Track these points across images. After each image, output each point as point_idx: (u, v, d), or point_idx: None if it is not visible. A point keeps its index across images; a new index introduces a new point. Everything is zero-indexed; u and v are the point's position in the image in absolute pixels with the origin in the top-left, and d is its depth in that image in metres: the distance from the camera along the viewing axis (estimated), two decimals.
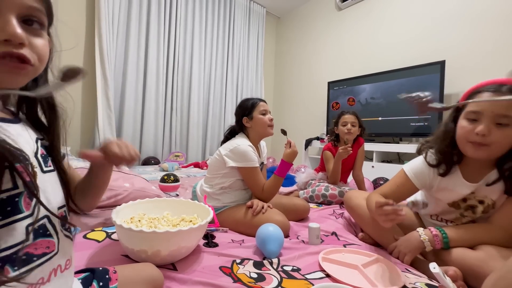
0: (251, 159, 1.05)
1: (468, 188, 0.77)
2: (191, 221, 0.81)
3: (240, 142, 1.08)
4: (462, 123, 0.71)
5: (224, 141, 1.20)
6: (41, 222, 0.33)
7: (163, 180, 1.48)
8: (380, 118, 2.43)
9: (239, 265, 0.71)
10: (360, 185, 1.63)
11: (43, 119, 0.40)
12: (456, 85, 2.03)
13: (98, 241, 0.76)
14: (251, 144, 1.11)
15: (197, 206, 0.87)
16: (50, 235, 0.34)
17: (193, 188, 1.26)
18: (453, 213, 0.84)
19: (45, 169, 0.36)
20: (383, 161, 2.37)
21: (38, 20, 0.33)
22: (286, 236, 0.97)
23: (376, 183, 1.89)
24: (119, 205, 0.79)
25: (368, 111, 2.52)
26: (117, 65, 2.49)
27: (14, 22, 0.30)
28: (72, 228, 0.40)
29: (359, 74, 2.68)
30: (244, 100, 1.21)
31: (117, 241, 0.77)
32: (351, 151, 1.39)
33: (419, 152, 0.86)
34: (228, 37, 3.30)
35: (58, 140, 0.40)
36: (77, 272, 0.46)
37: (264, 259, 0.76)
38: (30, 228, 0.31)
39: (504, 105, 0.63)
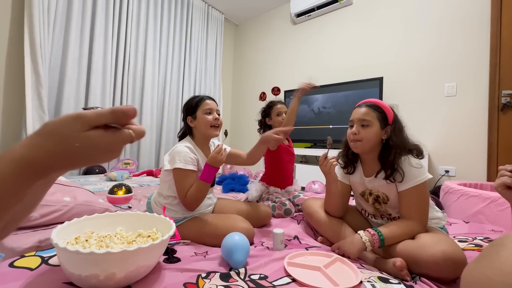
0: (180, 160, 0.97)
1: (365, 181, 0.99)
2: (149, 236, 0.74)
3: (181, 143, 1.04)
4: (348, 130, 0.99)
5: None
6: None
7: (112, 191, 1.33)
8: (331, 126, 2.64)
9: (205, 280, 0.68)
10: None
11: None
12: (392, 97, 2.35)
13: (31, 269, 0.64)
14: (191, 145, 1.05)
15: (155, 219, 0.80)
16: None
17: (148, 199, 1.16)
18: (370, 207, 1.00)
19: None
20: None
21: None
22: (251, 243, 0.96)
23: None
24: (59, 223, 0.67)
25: (321, 119, 2.72)
26: (53, 61, 2.17)
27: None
28: None
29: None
30: (190, 98, 1.12)
31: (57, 266, 0.65)
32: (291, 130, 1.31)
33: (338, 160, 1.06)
34: (185, 38, 3.20)
35: None
36: None
37: (230, 270, 0.74)
38: None
39: (363, 112, 0.94)
